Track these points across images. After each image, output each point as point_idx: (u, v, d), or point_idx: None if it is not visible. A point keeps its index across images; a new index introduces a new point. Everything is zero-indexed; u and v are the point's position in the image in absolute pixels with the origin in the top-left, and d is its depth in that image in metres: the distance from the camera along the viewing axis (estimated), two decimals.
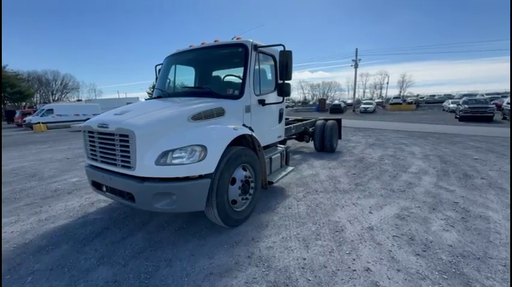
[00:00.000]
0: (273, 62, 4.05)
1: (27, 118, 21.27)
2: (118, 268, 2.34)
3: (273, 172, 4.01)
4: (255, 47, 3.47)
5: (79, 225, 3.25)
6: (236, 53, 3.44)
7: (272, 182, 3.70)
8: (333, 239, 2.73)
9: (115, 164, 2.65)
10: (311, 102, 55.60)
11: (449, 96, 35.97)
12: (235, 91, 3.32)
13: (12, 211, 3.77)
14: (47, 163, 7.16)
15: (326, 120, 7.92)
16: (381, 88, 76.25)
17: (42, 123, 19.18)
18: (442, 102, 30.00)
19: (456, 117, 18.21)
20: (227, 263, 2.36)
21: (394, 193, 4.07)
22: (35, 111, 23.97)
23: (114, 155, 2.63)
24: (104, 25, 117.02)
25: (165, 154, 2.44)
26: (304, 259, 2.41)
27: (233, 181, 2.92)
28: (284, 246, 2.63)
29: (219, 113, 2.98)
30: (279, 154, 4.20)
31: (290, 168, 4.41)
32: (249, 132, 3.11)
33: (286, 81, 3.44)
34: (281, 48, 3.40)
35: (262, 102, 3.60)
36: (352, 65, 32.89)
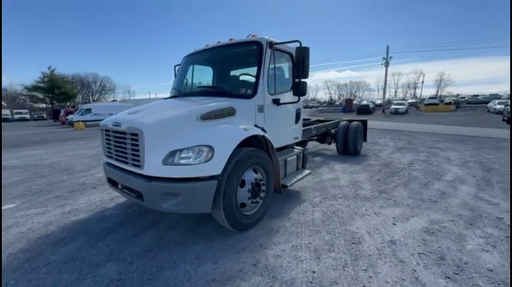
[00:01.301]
0: (290, 60, 3.87)
1: (69, 117, 23.35)
2: (124, 266, 2.36)
3: (287, 175, 3.84)
4: (270, 45, 3.33)
5: (97, 219, 3.38)
6: (251, 51, 3.33)
7: (286, 186, 3.53)
8: (348, 252, 2.49)
9: (127, 163, 2.69)
10: (337, 103, 53.69)
11: (495, 96, 32.33)
12: (248, 90, 3.21)
13: (42, 202, 4.06)
14: (80, 158, 7.70)
15: (350, 121, 7.50)
16: (415, 88, 71.26)
17: (81, 121, 20.89)
18: (487, 103, 27.04)
19: (504, 120, 16.29)
20: (231, 270, 2.26)
21: (423, 203, 3.65)
22: (76, 110, 26.22)
23: (126, 153, 2.67)
24: (136, 25, 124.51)
25: (172, 153, 2.41)
26: (314, 272, 2.21)
27: (242, 183, 2.81)
28: (293, 255, 2.46)
29: (230, 112, 2.89)
30: (294, 156, 4.01)
31: (307, 171, 4.19)
32: (260, 133, 2.98)
33: (302, 80, 3.25)
34: (297, 45, 3.22)
35: (277, 102, 3.44)
36: (382, 64, 31.05)
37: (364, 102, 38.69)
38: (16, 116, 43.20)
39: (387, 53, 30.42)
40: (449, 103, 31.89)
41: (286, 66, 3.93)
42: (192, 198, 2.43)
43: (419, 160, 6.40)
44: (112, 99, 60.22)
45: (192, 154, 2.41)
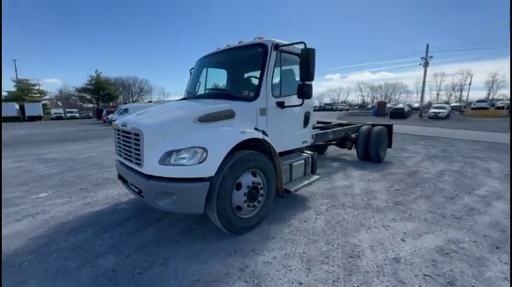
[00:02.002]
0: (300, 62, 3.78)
1: (109, 116, 25.54)
2: (121, 258, 2.50)
3: (293, 180, 3.73)
4: (276, 47, 3.28)
5: (109, 212, 3.64)
6: (256, 54, 3.31)
7: (289, 191, 3.43)
8: (342, 266, 2.34)
9: (131, 161, 2.86)
10: (369, 106, 50.89)
11: None
12: (251, 93, 3.20)
13: (68, 193, 4.50)
14: (110, 155, 8.37)
15: (373, 125, 7.06)
16: (461, 90, 64.56)
17: None
18: None
19: None
20: (217, 273, 2.26)
21: (444, 219, 3.28)
22: (115, 110, 28.61)
23: (131, 152, 2.84)
24: (171, 26, 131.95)
25: (168, 154, 2.50)
26: (301, 283, 2.11)
27: (239, 186, 2.81)
28: (284, 264, 2.37)
29: (228, 115, 2.91)
30: (302, 161, 3.88)
31: (315, 177, 4.03)
32: (260, 136, 2.95)
33: (306, 82, 3.14)
34: (307, 46, 3.12)
35: (281, 105, 3.38)
36: (421, 64, 28.65)
37: (400, 105, 36.10)
38: (68, 115, 48.45)
39: (426, 52, 28.01)
40: (501, 107, 28.28)
41: (296, 69, 3.83)
42: (185, 198, 2.49)
43: (451, 171, 5.77)
44: (148, 100, 64.47)
45: (187, 155, 2.47)
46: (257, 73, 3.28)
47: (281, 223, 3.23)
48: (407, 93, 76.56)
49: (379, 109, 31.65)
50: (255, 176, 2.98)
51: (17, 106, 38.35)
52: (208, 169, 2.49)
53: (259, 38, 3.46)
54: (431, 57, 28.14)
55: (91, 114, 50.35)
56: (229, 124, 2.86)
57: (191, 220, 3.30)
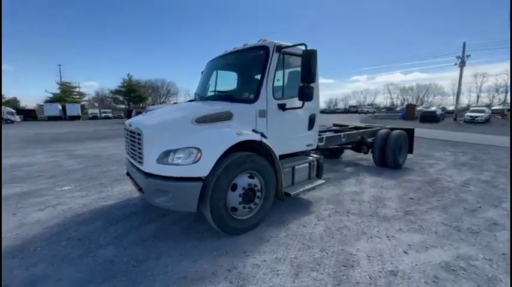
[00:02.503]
0: None
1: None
2: (120, 251, 2.65)
3: (295, 183, 3.67)
4: (278, 49, 3.27)
5: (120, 207, 3.87)
6: (258, 56, 3.33)
7: (289, 194, 3.38)
8: (333, 275, 2.25)
9: (135, 159, 3.02)
10: (398, 108, 48.13)
11: None
12: (251, 95, 3.21)
13: (88, 187, 4.87)
14: None
15: (392, 129, 6.69)
16: (506, 92, 58.47)
17: None
18: None
19: None
20: (205, 271, 2.30)
21: (458, 233, 3.01)
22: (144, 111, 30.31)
23: (134, 150, 3.01)
24: (194, 27, 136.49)
25: (165, 153, 2.60)
26: None
27: (234, 187, 2.83)
28: (272, 268, 2.35)
29: (226, 117, 2.95)
30: (306, 164, 3.81)
31: (320, 181, 3.92)
32: (257, 138, 2.95)
33: (307, 84, 3.08)
34: (309, 47, 3.08)
35: (282, 107, 3.35)
36: (456, 64, 26.46)
37: (433, 108, 33.67)
38: (103, 115, 52.33)
39: (463, 51, 25.78)
40: None
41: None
42: (179, 196, 2.57)
43: (479, 180, 5.27)
44: (174, 101, 67.34)
45: (182, 155, 2.56)
46: (259, 75, 3.30)
47: (279, 226, 3.20)
48: (442, 96, 71.13)
49: (408, 112, 29.78)
50: (252, 178, 2.98)
51: (59, 107, 42.29)
52: (202, 169, 2.55)
53: (263, 41, 3.48)
54: (468, 56, 25.88)
55: (123, 115, 53.78)
56: (226, 126, 2.91)
57: (192, 218, 3.39)
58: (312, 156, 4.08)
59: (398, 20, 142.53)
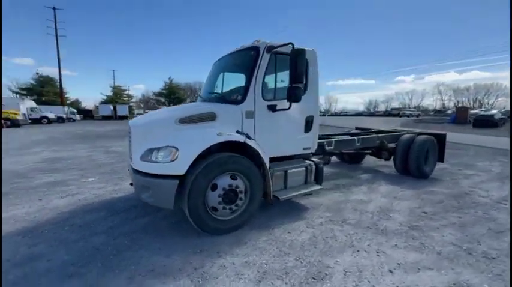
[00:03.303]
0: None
1: None
2: (109, 239, 2.87)
3: (288, 187, 3.55)
4: (269, 49, 3.22)
5: (124, 199, 4.20)
6: (249, 57, 3.31)
7: (278, 198, 3.29)
8: (298, 286, 2.12)
9: (130, 155, 3.26)
10: (449, 111, 42.97)
11: None
12: (239, 96, 3.21)
13: (107, 180, 5.38)
14: None
15: (418, 134, 6.03)
16: None
17: None
18: None
19: None
20: (172, 267, 2.37)
21: (467, 257, 2.58)
22: None
23: (129, 147, 3.24)
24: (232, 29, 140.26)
25: (148, 151, 2.76)
26: None
27: (215, 187, 2.86)
28: (237, 271, 2.31)
29: (209, 117, 2.99)
30: (302, 168, 3.65)
31: (317, 187, 3.72)
32: (240, 139, 2.93)
33: (295, 85, 2.96)
34: (307, 47, 2.98)
35: (272, 109, 3.27)
36: None
37: (493, 111, 29.24)
38: None
39: None
40: None
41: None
42: (158, 193, 2.70)
43: None
44: None
45: (162, 153, 2.68)
46: (258, 77, 3.26)
47: (263, 229, 3.12)
48: (506, 97, 61.22)
49: (458, 116, 26.36)
50: (234, 179, 2.97)
51: (111, 107, 47.46)
52: (179, 167, 2.63)
53: (256, 41, 3.45)
54: None
55: None
56: (209, 126, 2.95)
57: (181, 215, 3.51)
58: (311, 160, 3.90)
59: (451, 12, 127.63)
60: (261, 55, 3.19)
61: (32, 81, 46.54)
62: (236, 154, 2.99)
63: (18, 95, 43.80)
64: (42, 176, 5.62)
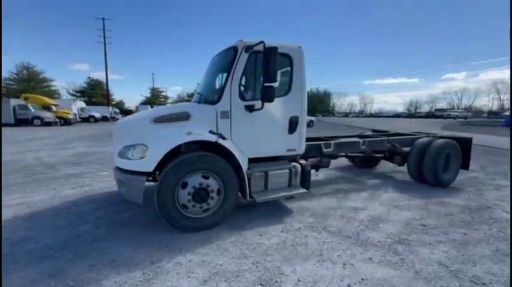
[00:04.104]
0: (288, 63, 3.49)
1: None
2: (91, 229, 3.12)
3: (270, 190, 3.46)
4: (247, 49, 3.18)
5: None
6: (229, 57, 3.31)
7: (254, 199, 3.23)
8: None
9: None
10: (507, 113, 37.39)
11: None
12: (216, 96, 3.23)
13: None
14: None
15: (438, 137, 5.41)
16: None
17: None
18: None
19: None
20: (133, 259, 2.48)
21: (449, 279, 2.23)
22: None
23: None
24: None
25: (123, 148, 2.93)
26: None
27: (185, 185, 2.92)
28: (190, 269, 2.33)
29: (183, 117, 3.06)
30: (284, 171, 3.54)
31: (301, 190, 3.58)
32: (211, 139, 2.94)
33: (266, 84, 2.88)
34: (271, 45, 2.89)
35: (250, 109, 3.22)
36: None
37: None
38: None
39: None
40: None
41: (283, 70, 3.56)
42: (130, 188, 2.85)
43: None
44: None
45: (134, 151, 2.83)
46: (234, 77, 3.25)
47: (236, 230, 3.10)
48: None
49: None
50: (206, 178, 3.00)
51: (149, 107, 51.29)
52: (147, 165, 2.75)
53: (239, 41, 3.43)
54: None
55: None
56: (182, 126, 3.02)
57: None
58: (299, 162, 3.75)
59: None
60: (238, 55, 3.17)
61: (85, 85, 52.58)
62: (210, 153, 3.02)
63: (74, 97, 49.95)
64: (66, 168, 6.33)
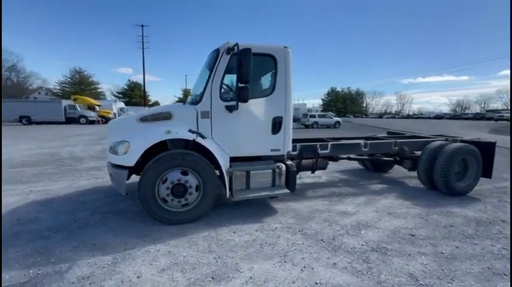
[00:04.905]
0: (272, 63, 3.50)
1: None
2: (88, 215, 3.47)
3: (252, 189, 3.50)
4: (228, 50, 3.26)
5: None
6: (212, 58, 3.43)
7: (232, 196, 3.31)
8: (193, 281, 2.16)
9: None
10: None
11: None
12: (198, 97, 3.37)
13: None
14: None
15: (452, 141, 4.91)
16: None
17: None
18: None
19: None
20: (110, 244, 2.72)
21: None
22: None
23: None
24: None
25: (113, 144, 3.23)
26: (122, 281, 2.20)
27: (165, 181, 3.12)
28: (154, 258, 2.48)
29: (166, 117, 3.26)
30: (267, 171, 3.55)
31: (283, 191, 3.55)
32: (189, 137, 3.09)
33: (240, 85, 2.94)
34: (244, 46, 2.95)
35: (230, 109, 3.30)
36: None
37: None
38: None
39: None
40: None
41: (265, 71, 3.58)
42: (115, 181, 3.14)
43: None
44: None
45: (120, 147, 3.10)
46: (215, 78, 3.37)
47: (212, 226, 3.20)
48: None
49: None
50: (186, 174, 3.17)
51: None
52: (129, 160, 3.00)
53: (226, 43, 3.53)
54: None
55: None
56: (163, 125, 3.22)
57: None
58: (284, 163, 3.73)
59: None
60: (219, 57, 3.28)
61: (125, 87, 57.56)
62: (190, 151, 3.18)
63: (116, 98, 55.08)
64: (90, 162, 7.07)
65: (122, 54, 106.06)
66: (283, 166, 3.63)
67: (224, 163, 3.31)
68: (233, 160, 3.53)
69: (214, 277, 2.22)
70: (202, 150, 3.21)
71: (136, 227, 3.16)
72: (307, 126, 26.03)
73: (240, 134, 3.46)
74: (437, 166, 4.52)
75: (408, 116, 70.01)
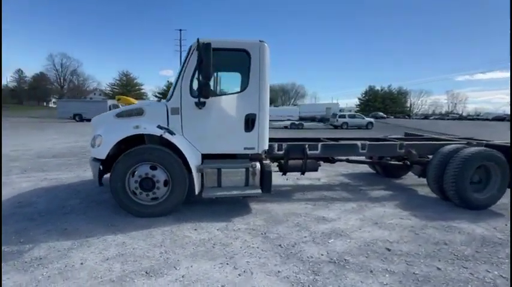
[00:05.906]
0: (246, 58, 3.39)
1: None
2: (76, 203, 3.79)
3: (223, 187, 3.45)
4: (198, 47, 3.24)
5: None
6: (186, 56, 3.45)
7: (200, 194, 3.30)
8: (127, 275, 2.20)
9: None
10: None
11: None
12: (170, 94, 3.42)
13: None
14: None
15: (470, 145, 4.20)
16: None
17: None
18: None
19: None
20: (78, 231, 2.92)
21: None
22: None
23: None
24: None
25: (92, 137, 3.45)
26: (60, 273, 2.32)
27: (134, 174, 3.24)
28: (106, 248, 2.58)
29: (138, 113, 3.36)
30: (240, 169, 3.46)
31: (256, 191, 3.43)
32: (156, 133, 3.15)
33: (201, 80, 2.89)
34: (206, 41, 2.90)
35: (199, 105, 3.28)
36: None
37: None
38: None
39: None
40: None
41: (238, 67, 3.48)
42: (92, 171, 3.35)
43: None
44: (294, 104, 70.03)
45: (95, 140, 3.30)
46: (185, 74, 3.40)
47: (177, 222, 3.22)
48: None
49: None
50: (155, 169, 3.24)
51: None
52: (101, 153, 3.18)
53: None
54: None
55: None
56: (136, 120, 3.32)
57: None
58: (261, 163, 3.58)
59: None
60: (190, 53, 3.28)
61: (165, 87, 61.93)
62: (159, 146, 3.25)
63: (157, 98, 59.69)
64: None
65: (166, 57, 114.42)
66: (258, 165, 3.49)
67: (194, 160, 3.31)
68: (208, 157, 3.52)
69: (148, 272, 2.23)
70: (174, 146, 3.25)
71: (109, 217, 3.34)
72: (336, 127, 24.83)
73: (211, 131, 3.42)
74: (448, 172, 3.89)
75: (460, 117, 62.02)
